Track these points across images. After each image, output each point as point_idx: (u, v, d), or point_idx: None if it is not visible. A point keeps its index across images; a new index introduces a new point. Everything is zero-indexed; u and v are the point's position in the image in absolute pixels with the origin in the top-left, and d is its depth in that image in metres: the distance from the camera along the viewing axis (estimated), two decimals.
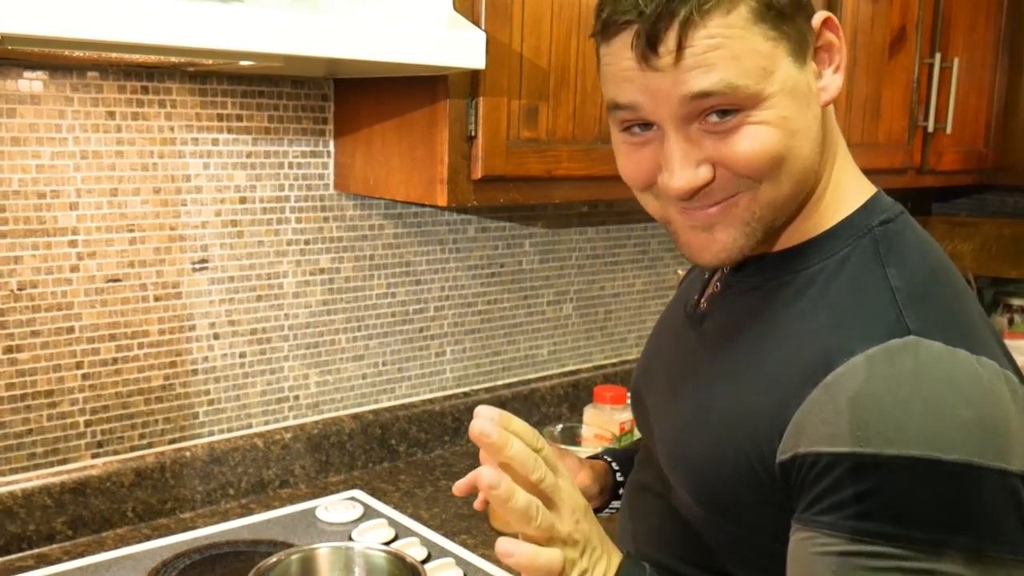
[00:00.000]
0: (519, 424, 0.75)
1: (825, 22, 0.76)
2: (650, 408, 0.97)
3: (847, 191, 0.81)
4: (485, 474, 0.71)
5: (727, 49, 0.70)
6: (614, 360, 2.08)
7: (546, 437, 1.50)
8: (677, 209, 0.80)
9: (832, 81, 0.77)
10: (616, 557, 0.78)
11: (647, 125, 0.78)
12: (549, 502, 0.73)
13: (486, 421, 0.71)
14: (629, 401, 1.11)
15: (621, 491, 1.10)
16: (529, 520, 0.71)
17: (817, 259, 0.79)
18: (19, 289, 1.30)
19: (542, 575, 0.72)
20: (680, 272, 2.18)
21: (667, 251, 2.14)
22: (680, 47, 0.70)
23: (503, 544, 0.71)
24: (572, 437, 1.57)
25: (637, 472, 1.01)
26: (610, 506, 1.14)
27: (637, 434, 1.76)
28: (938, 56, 2.09)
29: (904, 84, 2.05)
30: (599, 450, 1.52)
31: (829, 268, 0.77)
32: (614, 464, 1.14)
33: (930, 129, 2.12)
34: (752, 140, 0.73)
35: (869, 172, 2.09)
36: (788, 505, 0.73)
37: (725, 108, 0.73)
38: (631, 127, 0.79)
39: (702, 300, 0.92)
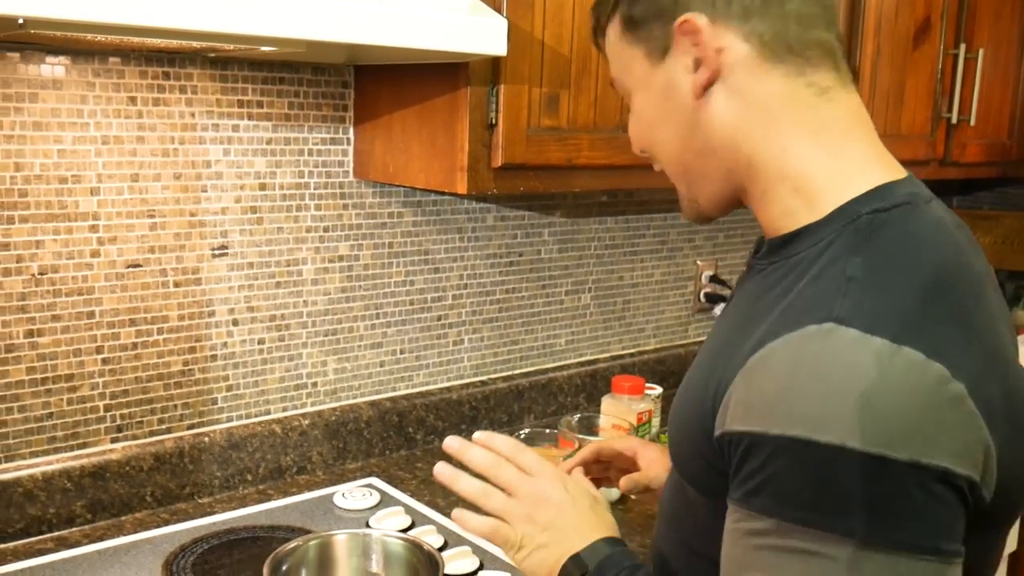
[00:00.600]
0: (501, 440, 0.97)
1: (678, 26, 0.82)
2: None
3: (849, 177, 0.79)
4: (437, 466, 0.95)
5: (611, 53, 0.91)
6: (632, 350, 2.08)
7: (563, 427, 1.50)
8: None
9: (696, 76, 0.82)
10: (591, 540, 0.89)
11: None
12: (509, 492, 0.93)
13: (453, 438, 0.96)
14: None
15: None
16: (476, 500, 0.93)
17: (806, 245, 0.79)
18: (40, 273, 1.31)
19: (490, 539, 0.92)
20: (699, 263, 2.18)
21: (686, 242, 2.13)
22: (603, 49, 0.94)
23: (457, 513, 0.94)
24: (589, 427, 1.57)
25: None
26: None
27: (655, 425, 1.76)
28: (963, 47, 2.06)
29: (928, 75, 2.03)
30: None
31: (811, 255, 0.77)
32: None
33: (954, 120, 2.10)
34: (631, 123, 0.92)
35: None
36: None
37: None
38: None
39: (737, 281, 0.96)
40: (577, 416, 1.58)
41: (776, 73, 0.80)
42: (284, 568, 1.09)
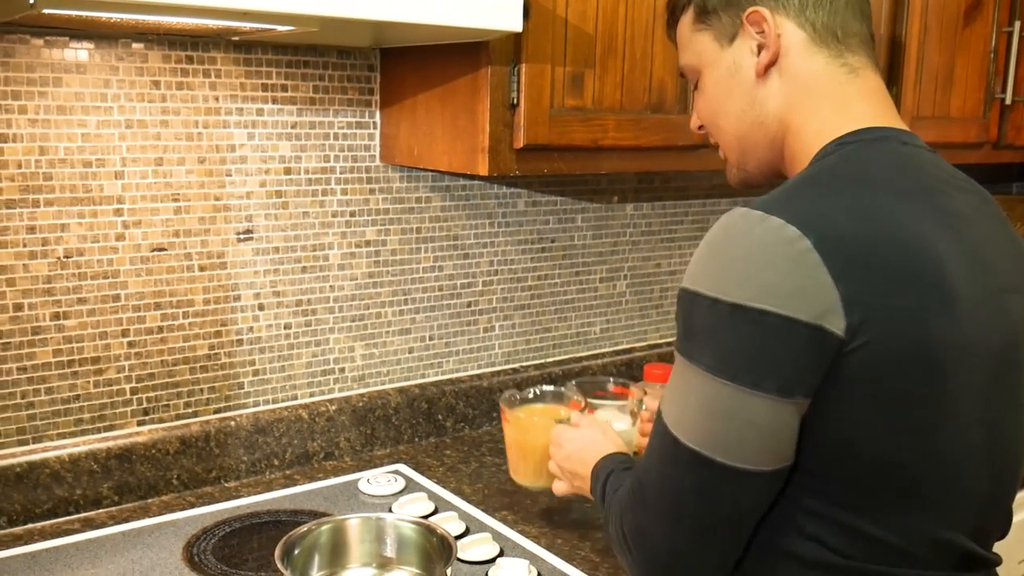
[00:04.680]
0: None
1: (747, 16, 0.97)
2: None
3: (832, 133, 0.93)
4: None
5: (683, 40, 1.06)
6: (670, 339, 2.04)
7: (569, 389, 1.46)
8: None
9: (760, 59, 0.97)
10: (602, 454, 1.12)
11: None
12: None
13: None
14: None
15: None
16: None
17: None
18: (66, 257, 1.32)
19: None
20: None
21: None
22: (674, 39, 1.09)
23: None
24: (593, 390, 1.51)
25: None
26: None
27: None
28: (1017, 24, 1.98)
29: (980, 54, 1.95)
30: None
31: None
32: None
33: (1008, 101, 2.02)
34: (697, 101, 1.07)
35: (940, 146, 1.98)
36: None
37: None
38: None
39: None
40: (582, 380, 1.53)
41: (821, 56, 0.96)
42: (296, 552, 1.08)
